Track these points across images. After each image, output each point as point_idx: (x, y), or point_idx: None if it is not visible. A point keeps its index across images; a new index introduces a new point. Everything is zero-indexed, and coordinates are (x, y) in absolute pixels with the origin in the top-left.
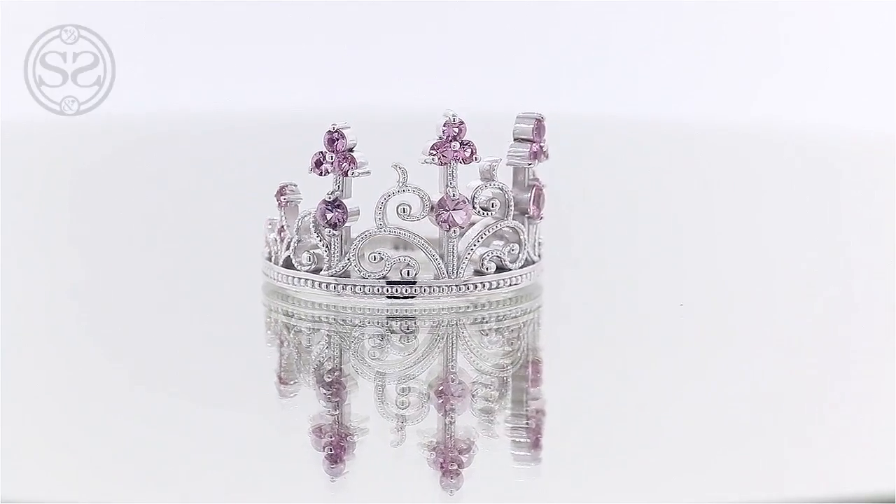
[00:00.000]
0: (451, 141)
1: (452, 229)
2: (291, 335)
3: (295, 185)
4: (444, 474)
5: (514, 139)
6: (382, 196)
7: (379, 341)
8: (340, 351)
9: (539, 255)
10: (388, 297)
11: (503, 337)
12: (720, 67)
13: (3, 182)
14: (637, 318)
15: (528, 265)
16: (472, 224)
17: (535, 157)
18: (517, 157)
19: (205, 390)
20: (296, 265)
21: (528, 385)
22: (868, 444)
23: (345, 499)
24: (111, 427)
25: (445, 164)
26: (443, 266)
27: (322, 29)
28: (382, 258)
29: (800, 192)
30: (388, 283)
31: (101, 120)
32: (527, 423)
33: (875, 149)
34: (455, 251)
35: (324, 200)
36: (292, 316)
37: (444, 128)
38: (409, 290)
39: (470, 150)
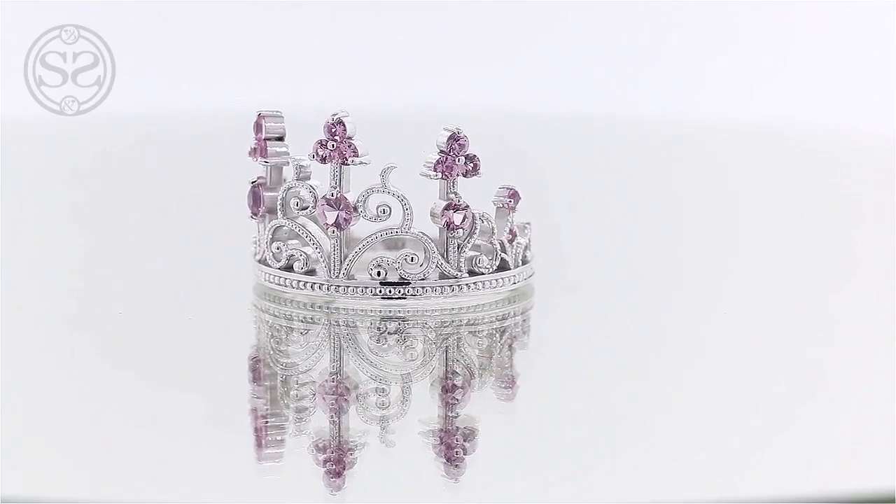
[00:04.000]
0: (329, 140)
1: (329, 228)
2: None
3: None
4: (325, 472)
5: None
6: (283, 188)
7: (285, 335)
8: (268, 341)
9: (466, 272)
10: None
11: (403, 345)
12: (720, 66)
13: (4, 182)
14: (622, 329)
15: (447, 278)
16: (401, 228)
17: (441, 170)
18: (425, 166)
19: (200, 387)
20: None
21: (442, 400)
22: (867, 444)
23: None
24: (106, 425)
25: (327, 162)
26: (325, 264)
27: (323, 28)
28: (281, 249)
29: (800, 192)
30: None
31: (101, 120)
32: (437, 439)
33: (876, 148)
34: (339, 251)
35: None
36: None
37: (325, 126)
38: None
39: (348, 150)
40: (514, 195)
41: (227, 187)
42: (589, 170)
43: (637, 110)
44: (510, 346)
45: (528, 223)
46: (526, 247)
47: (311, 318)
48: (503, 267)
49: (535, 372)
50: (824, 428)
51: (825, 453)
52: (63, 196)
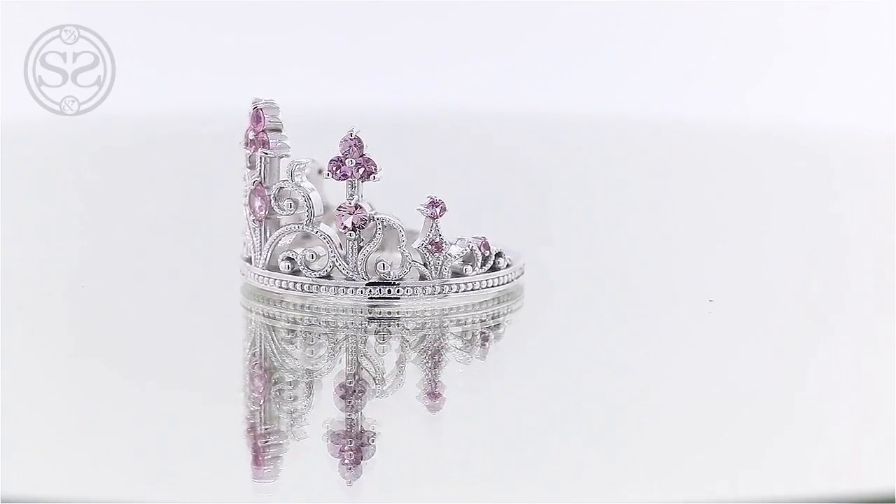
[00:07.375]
0: (251, 130)
1: (251, 217)
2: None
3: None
4: (252, 459)
5: None
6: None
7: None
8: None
9: (373, 277)
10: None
11: (306, 341)
12: (719, 66)
13: (4, 182)
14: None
15: (350, 282)
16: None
17: (332, 170)
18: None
19: (197, 385)
20: None
21: (346, 399)
22: (867, 444)
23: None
24: (106, 425)
25: (253, 152)
26: (250, 251)
27: (323, 28)
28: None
29: (798, 191)
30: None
31: (101, 120)
32: (331, 441)
33: (875, 148)
34: (260, 237)
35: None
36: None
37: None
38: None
39: (262, 142)
40: (434, 205)
41: (226, 186)
42: (580, 169)
43: (633, 110)
44: (436, 354)
45: (483, 237)
46: (468, 259)
47: (252, 312)
48: (422, 276)
49: (494, 382)
50: (824, 428)
51: (825, 453)
52: (63, 196)
